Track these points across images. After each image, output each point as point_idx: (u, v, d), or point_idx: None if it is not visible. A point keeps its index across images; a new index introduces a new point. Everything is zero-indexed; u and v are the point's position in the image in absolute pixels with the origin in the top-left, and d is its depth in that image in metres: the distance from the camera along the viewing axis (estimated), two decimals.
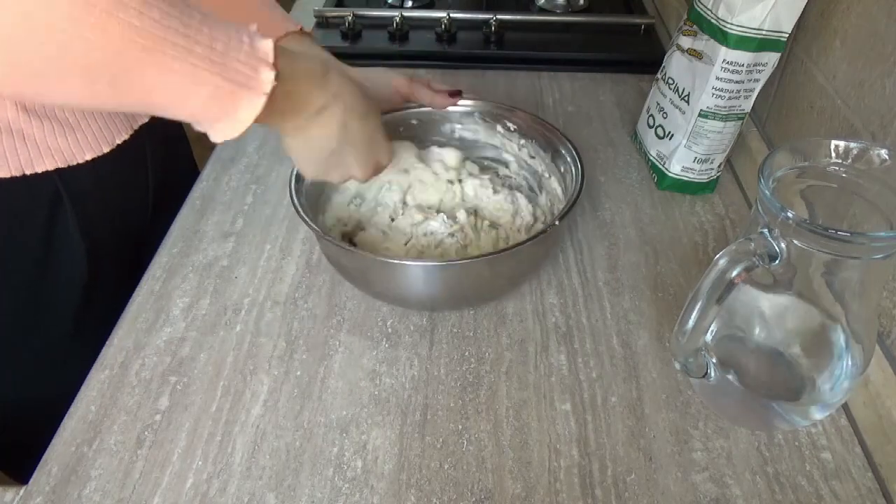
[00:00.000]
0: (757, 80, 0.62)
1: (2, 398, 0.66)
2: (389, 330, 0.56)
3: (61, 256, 0.60)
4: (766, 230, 0.40)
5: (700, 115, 0.64)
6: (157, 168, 0.70)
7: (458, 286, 0.53)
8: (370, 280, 0.54)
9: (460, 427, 0.49)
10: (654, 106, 0.71)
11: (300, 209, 0.52)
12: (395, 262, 0.52)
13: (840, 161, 0.41)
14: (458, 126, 0.66)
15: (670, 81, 0.68)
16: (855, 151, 0.41)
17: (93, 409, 0.49)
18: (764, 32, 0.58)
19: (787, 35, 0.58)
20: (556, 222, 0.51)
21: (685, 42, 0.65)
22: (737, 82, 0.61)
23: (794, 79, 0.66)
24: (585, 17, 1.03)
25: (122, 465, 0.46)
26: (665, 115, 0.69)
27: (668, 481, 0.46)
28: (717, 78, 0.61)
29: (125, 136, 0.61)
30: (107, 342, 0.54)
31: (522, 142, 0.64)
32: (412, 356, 0.54)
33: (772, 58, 0.60)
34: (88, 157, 0.58)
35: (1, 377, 0.65)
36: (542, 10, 1.04)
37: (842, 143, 0.41)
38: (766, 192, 0.39)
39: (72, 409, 0.50)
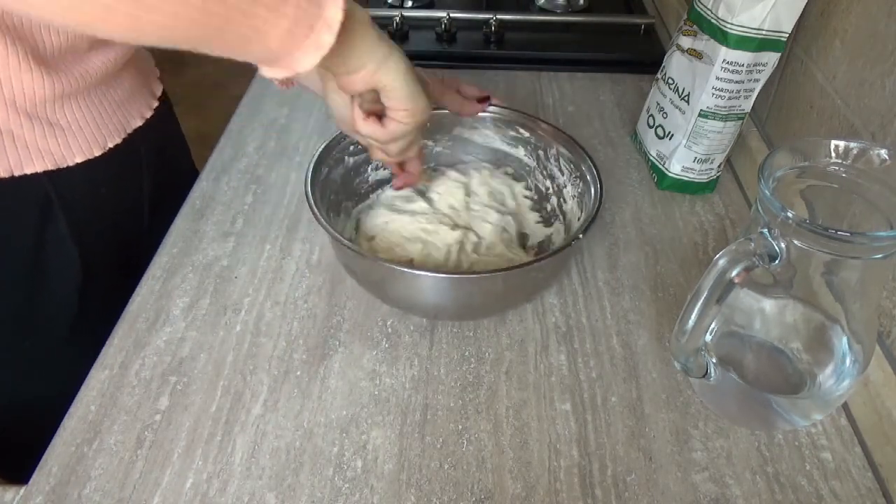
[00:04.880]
0: (757, 80, 0.62)
1: (1, 398, 0.66)
2: (389, 330, 0.56)
3: (54, 260, 0.60)
4: (766, 230, 0.40)
5: (700, 115, 0.64)
6: (152, 172, 0.69)
7: (471, 298, 0.53)
8: (387, 289, 0.54)
9: (460, 427, 0.49)
10: (654, 106, 0.71)
11: (318, 214, 0.52)
12: (421, 273, 0.52)
13: (840, 161, 0.41)
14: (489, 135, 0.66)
15: (670, 81, 0.68)
16: (855, 151, 0.41)
17: (93, 409, 0.49)
18: (764, 32, 0.58)
19: (787, 35, 0.58)
20: (580, 235, 0.51)
21: (685, 42, 0.65)
22: (737, 82, 0.61)
23: (794, 79, 0.66)
24: (585, 17, 1.03)
25: (122, 465, 0.46)
26: (665, 115, 0.69)
27: (668, 481, 0.46)
28: (717, 78, 0.61)
29: (118, 141, 0.61)
30: (107, 342, 0.54)
31: (543, 151, 0.63)
32: (412, 356, 0.54)
33: (772, 58, 0.60)
34: (79, 160, 0.58)
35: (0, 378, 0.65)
36: (542, 10, 1.04)
37: (842, 143, 0.41)
38: (766, 192, 0.39)
39: (72, 409, 0.50)
